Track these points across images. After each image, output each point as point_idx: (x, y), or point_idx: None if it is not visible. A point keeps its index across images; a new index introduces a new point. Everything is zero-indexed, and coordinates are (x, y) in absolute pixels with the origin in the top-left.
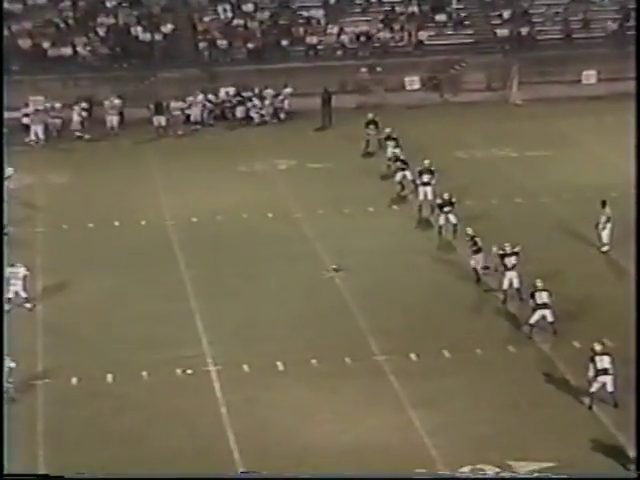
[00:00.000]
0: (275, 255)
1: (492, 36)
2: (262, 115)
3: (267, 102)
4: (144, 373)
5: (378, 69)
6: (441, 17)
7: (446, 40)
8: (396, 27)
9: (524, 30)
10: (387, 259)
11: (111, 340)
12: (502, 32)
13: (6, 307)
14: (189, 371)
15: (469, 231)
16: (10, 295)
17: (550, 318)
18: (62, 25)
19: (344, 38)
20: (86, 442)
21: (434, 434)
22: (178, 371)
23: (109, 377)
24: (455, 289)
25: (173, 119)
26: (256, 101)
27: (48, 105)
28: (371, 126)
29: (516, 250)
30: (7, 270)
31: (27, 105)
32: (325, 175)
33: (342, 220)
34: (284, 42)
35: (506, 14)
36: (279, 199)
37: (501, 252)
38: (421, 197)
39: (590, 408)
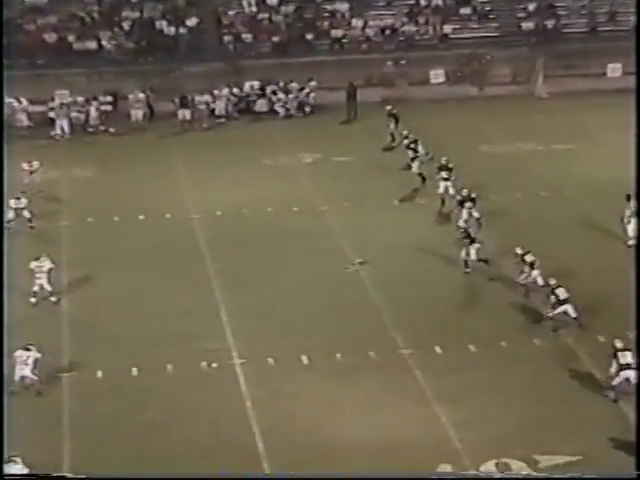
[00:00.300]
0: (300, 249)
1: (517, 29)
2: (287, 109)
3: (292, 96)
4: (169, 366)
5: (403, 62)
6: (466, 10)
7: (471, 33)
8: (421, 20)
9: (549, 23)
10: (412, 253)
11: (136, 334)
12: (527, 25)
13: (32, 300)
14: (214, 364)
15: (518, 251)
16: (35, 288)
17: (573, 313)
18: (87, 19)
19: (369, 31)
20: (111, 435)
21: (459, 428)
22: (203, 364)
23: (134, 370)
24: (480, 283)
25: (198, 113)
26: (281, 95)
27: (71, 99)
28: (391, 119)
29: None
30: (32, 264)
31: (52, 99)
32: (350, 168)
33: (367, 214)
34: (309, 36)
35: (531, 7)
36: (304, 193)
37: (520, 252)
38: (441, 190)
39: (615, 401)
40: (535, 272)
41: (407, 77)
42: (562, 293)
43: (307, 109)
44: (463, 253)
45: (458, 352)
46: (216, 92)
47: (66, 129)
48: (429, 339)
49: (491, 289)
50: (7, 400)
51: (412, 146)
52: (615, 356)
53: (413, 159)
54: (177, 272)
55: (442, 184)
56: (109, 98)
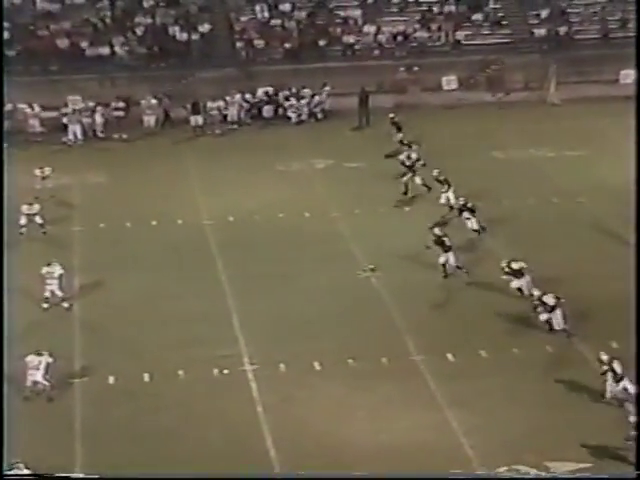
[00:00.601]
0: (312, 254)
1: (529, 36)
2: (299, 114)
3: (304, 101)
4: (180, 372)
5: (415, 69)
6: (478, 17)
7: (483, 40)
8: (433, 27)
9: (562, 30)
10: (423, 259)
11: (148, 339)
12: (540, 32)
13: (44, 306)
14: (225, 370)
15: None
16: (47, 294)
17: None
18: (100, 25)
19: (381, 38)
20: (122, 441)
21: (470, 434)
22: (215, 370)
23: (146, 376)
24: (492, 289)
25: (210, 118)
26: (293, 101)
27: (83, 105)
28: (393, 127)
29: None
30: (43, 269)
31: (65, 105)
32: (362, 174)
33: (378, 220)
34: (321, 42)
35: (544, 13)
36: (316, 198)
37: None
38: (442, 201)
39: (621, 406)
40: (519, 281)
41: (419, 83)
42: (550, 300)
43: (319, 115)
44: (441, 259)
45: (470, 358)
46: (228, 98)
47: (79, 135)
48: (441, 345)
49: (502, 295)
50: (19, 405)
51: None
52: (611, 369)
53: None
54: (189, 277)
55: (443, 196)
56: (121, 104)
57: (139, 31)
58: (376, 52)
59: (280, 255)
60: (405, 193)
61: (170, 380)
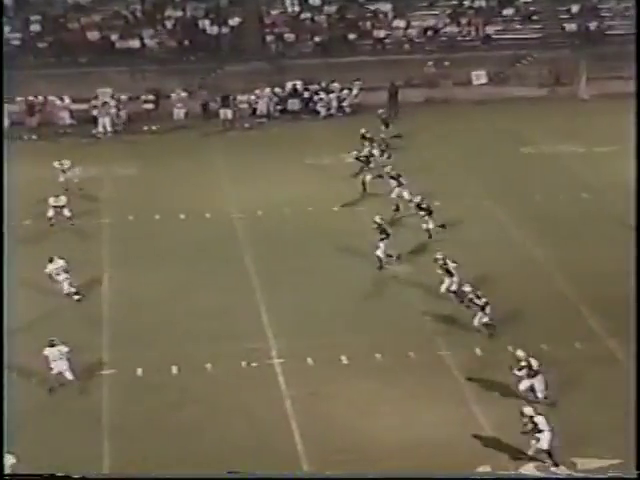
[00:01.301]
0: (340, 249)
1: (560, 31)
2: (328, 108)
3: (333, 96)
4: (208, 365)
5: (445, 63)
6: (509, 11)
7: (514, 34)
8: (463, 21)
9: (592, 25)
10: (449, 253)
11: (176, 332)
12: (570, 27)
13: (75, 298)
14: (253, 364)
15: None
16: (65, 288)
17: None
18: (130, 18)
19: (411, 32)
20: (150, 434)
21: (497, 430)
22: (242, 364)
23: (174, 369)
24: (519, 283)
25: (239, 112)
26: (322, 95)
27: (115, 97)
28: (366, 143)
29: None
30: (48, 267)
31: (95, 97)
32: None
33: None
34: (351, 36)
35: (575, 9)
36: (345, 192)
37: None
38: (393, 195)
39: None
40: (451, 279)
41: (449, 78)
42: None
43: (347, 109)
44: (379, 251)
45: (497, 353)
46: (258, 92)
47: (108, 127)
48: (468, 340)
49: (531, 291)
50: (45, 398)
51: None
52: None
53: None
54: (217, 271)
55: (396, 190)
56: (151, 97)
57: (169, 24)
58: (406, 46)
59: (308, 249)
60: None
61: (198, 373)
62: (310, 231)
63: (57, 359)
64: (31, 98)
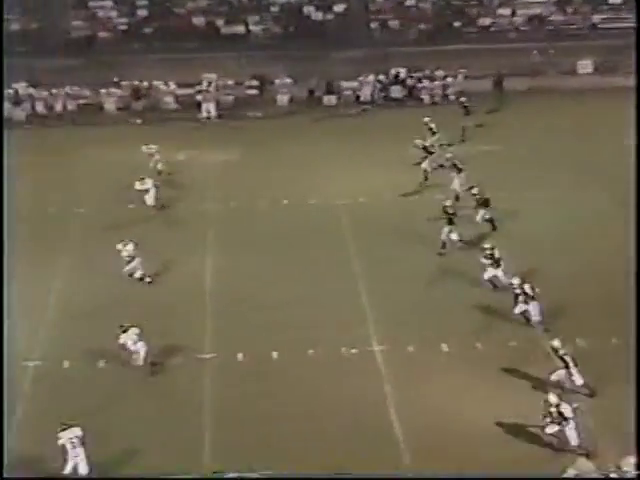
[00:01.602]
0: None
1: None
2: (432, 96)
3: (437, 83)
4: (310, 351)
5: (550, 52)
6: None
7: (621, 23)
8: (570, 10)
9: None
10: (548, 244)
11: (276, 318)
12: None
13: (147, 279)
14: (353, 350)
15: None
16: (137, 273)
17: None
18: (235, 3)
19: (517, 20)
20: (251, 418)
21: (597, 423)
22: (343, 350)
23: (274, 354)
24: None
25: (343, 98)
26: (426, 82)
27: (220, 82)
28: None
29: None
30: (123, 248)
31: (200, 82)
32: (495, 158)
33: (516, 204)
34: (456, 23)
35: None
36: (449, 180)
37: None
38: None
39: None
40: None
41: (554, 67)
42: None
43: (451, 97)
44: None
45: (601, 345)
46: (361, 78)
47: (213, 112)
48: (571, 330)
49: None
50: (143, 384)
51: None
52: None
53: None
54: (319, 257)
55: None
56: (255, 82)
57: (274, 10)
58: (511, 35)
59: (412, 237)
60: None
61: (299, 359)
62: (414, 219)
63: (136, 341)
64: (136, 83)
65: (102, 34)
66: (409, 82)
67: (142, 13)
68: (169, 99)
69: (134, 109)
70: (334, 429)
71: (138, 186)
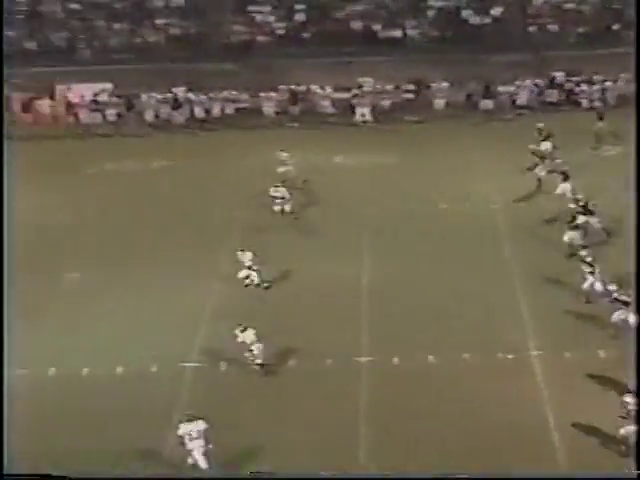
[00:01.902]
0: None
1: None
2: (591, 100)
3: (596, 88)
4: (465, 355)
5: None
6: None
7: None
8: None
9: None
10: None
11: (429, 321)
12: None
13: (264, 285)
14: (509, 355)
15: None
16: (247, 281)
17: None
18: (393, 7)
19: None
20: (406, 421)
21: None
22: (499, 355)
23: (430, 358)
24: None
25: (500, 103)
26: (584, 86)
27: (376, 87)
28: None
29: None
30: (241, 257)
31: (357, 86)
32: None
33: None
34: (615, 26)
35: None
36: (605, 186)
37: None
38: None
39: None
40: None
41: None
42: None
43: (611, 101)
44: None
45: None
46: (518, 82)
47: (368, 116)
48: None
49: None
50: (300, 385)
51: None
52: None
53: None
54: (475, 262)
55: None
56: (411, 86)
57: (431, 14)
58: None
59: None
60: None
61: (454, 363)
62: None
63: (254, 341)
64: (293, 87)
65: (260, 38)
66: (567, 86)
67: (300, 17)
68: (326, 103)
69: (291, 113)
70: (488, 433)
71: (272, 192)
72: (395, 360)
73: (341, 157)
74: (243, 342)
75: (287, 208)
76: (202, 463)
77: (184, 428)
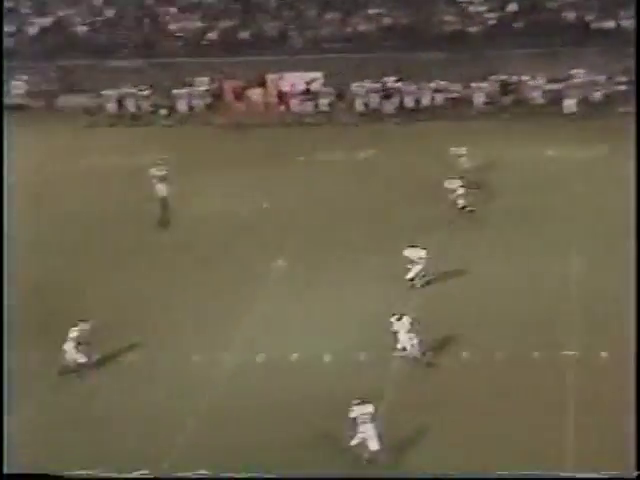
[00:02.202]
0: None
1: None
2: None
3: None
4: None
5: None
6: None
7: None
8: None
9: None
10: None
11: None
12: None
13: (419, 283)
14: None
15: None
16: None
17: None
18: None
19: None
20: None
21: None
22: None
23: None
24: None
25: None
26: None
27: (589, 79)
28: None
29: None
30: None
31: (568, 78)
32: None
33: None
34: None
35: None
36: None
37: None
38: None
39: None
40: None
41: None
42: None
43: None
44: None
45: None
46: None
47: (573, 108)
48: None
49: None
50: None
51: None
52: None
53: None
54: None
55: None
56: (624, 78)
57: None
58: None
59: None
60: None
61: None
62: None
63: (408, 330)
64: (504, 77)
65: (471, 29)
66: None
67: (512, 8)
68: (536, 94)
69: (502, 104)
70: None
71: (447, 185)
72: (603, 354)
73: (552, 149)
74: (396, 331)
75: (460, 202)
76: (373, 445)
77: (356, 410)
